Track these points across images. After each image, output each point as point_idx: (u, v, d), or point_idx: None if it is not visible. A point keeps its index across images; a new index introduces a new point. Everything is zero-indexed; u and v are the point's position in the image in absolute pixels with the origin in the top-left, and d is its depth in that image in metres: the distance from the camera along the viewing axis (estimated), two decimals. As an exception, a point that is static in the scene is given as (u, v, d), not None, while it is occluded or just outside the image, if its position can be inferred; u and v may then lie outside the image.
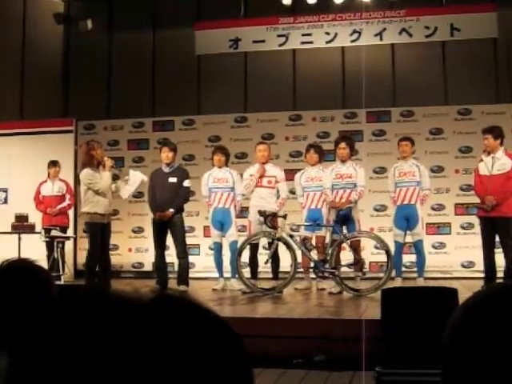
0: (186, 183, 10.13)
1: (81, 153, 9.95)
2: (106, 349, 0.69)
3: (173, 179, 10.00)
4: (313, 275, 10.03)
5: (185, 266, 10.03)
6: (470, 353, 0.91)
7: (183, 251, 10.04)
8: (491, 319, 0.91)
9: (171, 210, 9.81)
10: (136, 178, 9.94)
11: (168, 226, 9.93)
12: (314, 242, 10.06)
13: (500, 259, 9.07)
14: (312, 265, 9.65)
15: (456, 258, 12.54)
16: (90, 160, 9.68)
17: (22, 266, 1.69)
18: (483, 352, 0.90)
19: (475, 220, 11.26)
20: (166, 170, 10.12)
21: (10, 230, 11.51)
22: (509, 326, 0.90)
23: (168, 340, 0.70)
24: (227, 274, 10.43)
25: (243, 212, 10.91)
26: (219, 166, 10.37)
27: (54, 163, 11.96)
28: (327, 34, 13.40)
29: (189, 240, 12.02)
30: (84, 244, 13.66)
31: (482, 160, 9.37)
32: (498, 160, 9.11)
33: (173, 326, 0.72)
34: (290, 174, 11.28)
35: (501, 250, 9.07)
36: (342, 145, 9.85)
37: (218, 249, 10.38)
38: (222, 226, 10.28)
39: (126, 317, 0.71)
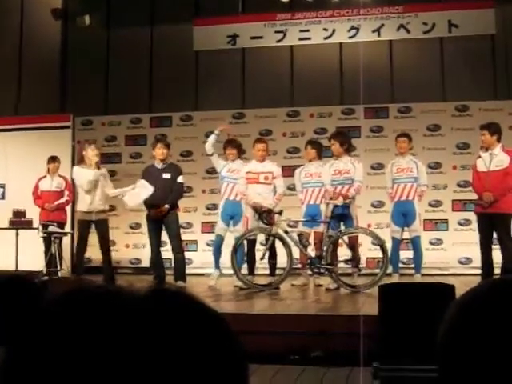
0: (180, 179, 10.11)
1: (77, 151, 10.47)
2: (100, 342, 0.69)
3: (166, 175, 10.00)
4: (310, 271, 10.03)
5: (181, 262, 10.03)
6: (465, 348, 0.91)
7: (179, 247, 10.04)
8: (487, 314, 0.91)
9: (166, 206, 9.81)
10: (145, 189, 9.93)
11: (163, 222, 9.94)
12: (312, 237, 10.05)
13: (497, 256, 9.07)
14: (308, 261, 9.66)
15: (453, 254, 12.56)
16: (81, 159, 10.26)
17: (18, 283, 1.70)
18: (479, 347, 0.90)
19: (472, 216, 11.27)
20: (159, 166, 10.10)
21: (7, 225, 11.51)
22: (505, 322, 0.90)
23: (163, 334, 0.70)
24: (224, 271, 10.39)
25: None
26: (233, 159, 10.31)
27: (53, 159, 11.95)
28: (325, 30, 13.40)
29: (186, 236, 12.05)
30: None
31: (479, 156, 9.35)
32: (495, 156, 9.09)
33: (169, 320, 0.72)
34: (287, 171, 11.29)
35: (498, 246, 9.07)
36: (331, 141, 9.86)
37: (219, 242, 10.27)
38: (231, 219, 10.25)
39: (122, 310, 0.71)
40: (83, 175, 10.01)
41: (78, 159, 10.38)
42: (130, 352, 0.68)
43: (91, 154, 10.12)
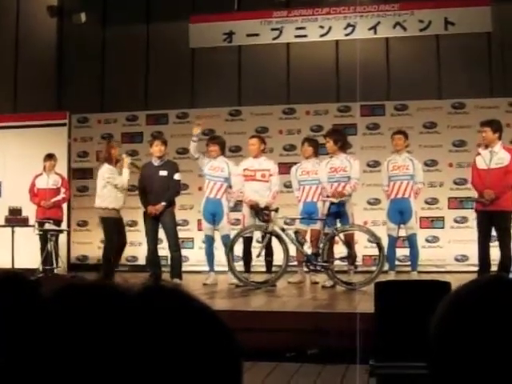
0: (177, 176, 10.10)
1: (101, 149, 10.23)
2: (95, 339, 0.68)
3: (163, 172, 9.99)
4: (306, 269, 10.03)
5: (178, 260, 10.02)
6: (456, 342, 0.91)
7: (175, 244, 10.03)
8: (480, 310, 0.91)
9: (162, 204, 9.80)
10: None
11: (159, 220, 9.93)
12: (308, 235, 10.05)
13: (494, 253, 9.05)
14: (304, 258, 9.66)
15: (449, 251, 12.57)
16: (108, 157, 10.15)
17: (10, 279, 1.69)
18: (470, 342, 0.90)
19: (469, 214, 11.31)
20: (157, 163, 10.09)
21: (3, 223, 11.50)
22: (497, 318, 0.90)
23: (157, 330, 0.70)
24: (218, 268, 10.38)
25: (237, 205, 10.89)
26: (214, 156, 10.27)
27: (49, 156, 11.92)
28: (321, 27, 13.38)
29: (182, 233, 12.03)
30: (78, 238, 13.74)
31: (479, 154, 9.30)
32: (496, 154, 9.04)
33: (163, 316, 0.71)
34: (283, 168, 11.29)
35: (495, 243, 9.06)
36: (326, 139, 9.85)
37: (209, 242, 10.25)
38: (214, 217, 10.19)
39: (117, 308, 0.71)
40: (117, 175, 10.12)
41: (104, 157, 10.26)
42: (124, 348, 0.68)
43: (117, 153, 10.27)
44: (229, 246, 9.60)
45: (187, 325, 0.72)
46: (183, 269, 10.31)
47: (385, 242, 9.59)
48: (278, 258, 9.80)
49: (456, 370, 0.91)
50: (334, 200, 9.41)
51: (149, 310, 0.71)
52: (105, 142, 10.51)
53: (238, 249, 9.97)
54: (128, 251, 13.48)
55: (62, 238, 12.22)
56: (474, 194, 9.44)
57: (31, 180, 11.89)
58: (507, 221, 8.95)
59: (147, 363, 0.68)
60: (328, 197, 9.55)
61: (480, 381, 0.88)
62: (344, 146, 9.81)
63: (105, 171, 10.09)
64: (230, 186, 10.19)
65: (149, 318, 0.70)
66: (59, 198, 11.90)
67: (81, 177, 14.04)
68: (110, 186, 9.99)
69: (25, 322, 0.73)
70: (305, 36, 13.52)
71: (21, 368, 0.70)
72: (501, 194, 8.88)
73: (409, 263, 10.29)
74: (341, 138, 9.80)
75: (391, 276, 9.62)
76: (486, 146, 9.16)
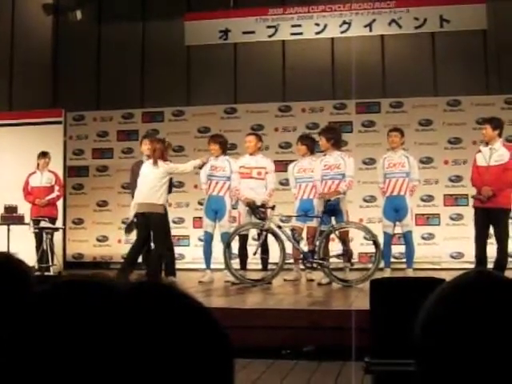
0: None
1: (156, 147, 9.80)
2: (84, 333, 0.69)
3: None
4: (302, 266, 10.03)
5: (171, 258, 10.01)
6: (442, 340, 0.91)
7: (169, 243, 10.03)
8: (463, 307, 0.92)
9: None
10: None
11: None
12: (305, 232, 10.05)
13: (490, 251, 9.05)
14: (301, 256, 9.66)
15: (445, 248, 12.59)
16: (162, 157, 9.76)
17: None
18: (455, 339, 0.90)
19: (464, 211, 11.31)
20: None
21: (-2, 221, 11.50)
22: (479, 315, 0.90)
23: (147, 327, 0.70)
24: (214, 266, 10.36)
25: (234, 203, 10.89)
26: (215, 155, 10.25)
27: (43, 154, 11.91)
28: (317, 25, 13.38)
29: (178, 231, 12.04)
30: (73, 236, 13.74)
31: (479, 151, 9.29)
32: (495, 151, 9.03)
33: (153, 312, 0.71)
34: (279, 165, 11.29)
35: (492, 241, 9.06)
36: (319, 136, 9.87)
37: (208, 239, 10.24)
38: (216, 214, 10.17)
39: (107, 303, 0.71)
40: None
41: (158, 156, 9.73)
42: (114, 344, 0.68)
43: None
44: (226, 243, 9.60)
45: (178, 322, 0.72)
46: (179, 266, 10.30)
47: (380, 240, 9.60)
48: (274, 255, 9.79)
49: (441, 366, 0.91)
50: (325, 198, 9.42)
51: (141, 307, 0.72)
52: (151, 139, 10.11)
53: (234, 246, 9.97)
54: (124, 249, 13.48)
55: (58, 236, 12.21)
56: (470, 191, 9.44)
57: (25, 178, 11.88)
58: (504, 218, 8.94)
59: (137, 360, 0.68)
60: (321, 195, 9.57)
61: (464, 377, 0.89)
62: (337, 144, 9.81)
63: (171, 167, 9.86)
64: None
65: (140, 315, 0.71)
66: (53, 195, 11.89)
67: (76, 175, 14.04)
68: (166, 184, 9.75)
69: (16, 319, 0.74)
70: (300, 33, 13.52)
71: (10, 365, 0.70)
72: (499, 192, 8.85)
73: (404, 260, 10.29)
74: (333, 136, 9.78)
75: (387, 273, 9.62)
76: (487, 143, 9.16)
